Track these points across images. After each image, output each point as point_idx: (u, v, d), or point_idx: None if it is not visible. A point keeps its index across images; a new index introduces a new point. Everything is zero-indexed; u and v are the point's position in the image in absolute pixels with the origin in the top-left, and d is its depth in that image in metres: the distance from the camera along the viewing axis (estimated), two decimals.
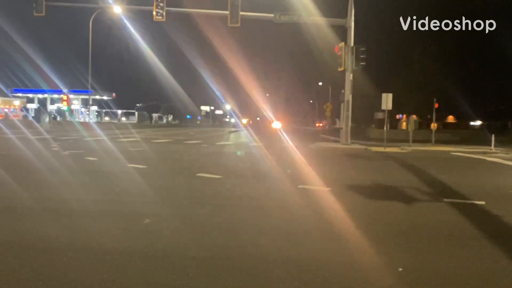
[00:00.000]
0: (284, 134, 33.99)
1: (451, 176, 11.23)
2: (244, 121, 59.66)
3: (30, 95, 75.94)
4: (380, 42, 37.87)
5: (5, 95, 62.87)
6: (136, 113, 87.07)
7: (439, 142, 26.28)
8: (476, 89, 47.37)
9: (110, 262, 4.21)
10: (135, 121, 76.76)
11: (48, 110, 69.12)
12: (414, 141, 24.34)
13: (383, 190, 8.78)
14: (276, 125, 51.67)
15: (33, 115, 55.80)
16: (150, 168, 11.70)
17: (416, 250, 4.78)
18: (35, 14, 23.91)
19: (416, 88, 38.69)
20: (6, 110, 57.71)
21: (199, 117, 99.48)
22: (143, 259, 4.30)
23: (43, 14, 23.96)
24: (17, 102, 63.87)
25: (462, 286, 3.81)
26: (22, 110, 61.38)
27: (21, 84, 69.36)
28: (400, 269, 3.89)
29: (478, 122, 62.60)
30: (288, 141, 25.99)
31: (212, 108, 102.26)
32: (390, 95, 22.21)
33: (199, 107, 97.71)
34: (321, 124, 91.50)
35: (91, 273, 3.90)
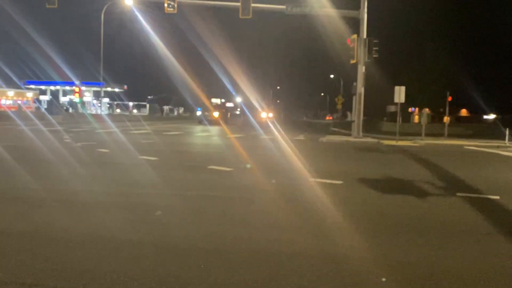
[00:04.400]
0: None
1: (464, 170, 11.11)
2: (216, 114, 40.64)
3: (43, 87, 76.51)
4: (393, 34, 37.52)
5: (18, 87, 63.41)
6: (147, 105, 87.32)
7: (452, 135, 25.98)
8: (490, 82, 46.83)
9: (122, 253, 4.22)
10: (146, 114, 77.01)
11: (61, 102, 69.66)
12: (427, 134, 24.10)
13: (395, 184, 8.71)
14: (265, 115, 48.65)
15: (45, 107, 56.29)
16: (161, 160, 11.73)
17: (428, 245, 4.72)
18: (47, 6, 24.02)
19: (429, 81, 38.27)
20: (19, 102, 58.27)
21: None
22: (155, 251, 4.31)
23: (56, 6, 24.07)
24: (30, 94, 64.39)
25: (475, 281, 3.76)
26: (34, 102, 61.92)
27: (34, 76, 69.90)
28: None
29: (492, 116, 61.83)
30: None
31: (223, 100, 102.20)
32: (403, 88, 21.97)
33: (210, 100, 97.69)
34: (331, 117, 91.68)
35: (103, 264, 3.91)
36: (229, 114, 46.86)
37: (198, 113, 42.62)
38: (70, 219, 5.50)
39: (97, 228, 5.06)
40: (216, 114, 40.19)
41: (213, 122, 37.56)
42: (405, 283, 3.69)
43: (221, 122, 37.26)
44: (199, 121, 39.77)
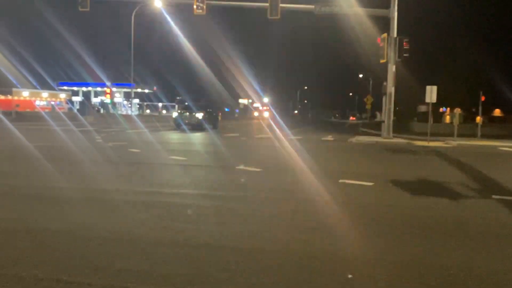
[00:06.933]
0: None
1: (499, 172, 10.79)
2: (200, 115, 28.90)
3: (75, 88, 78.38)
4: (423, 33, 36.78)
5: (52, 88, 65.13)
6: (176, 106, 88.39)
7: (485, 136, 25.27)
8: None
9: (154, 252, 4.26)
10: None
11: (92, 103, 71.16)
12: (459, 135, 23.53)
13: (427, 186, 8.52)
14: (259, 113, 45.70)
15: (77, 107, 57.63)
16: (190, 160, 11.83)
17: (464, 248, 4.60)
18: (80, 9, 24.64)
19: (461, 80, 37.38)
20: (52, 102, 59.85)
21: (237, 110, 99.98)
22: (186, 251, 4.34)
23: (88, 9, 24.67)
24: (62, 95, 66.02)
25: None
26: (67, 103, 63.44)
27: (67, 78, 71.68)
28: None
29: None
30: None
31: (250, 101, 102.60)
32: (435, 88, 21.48)
33: (237, 100, 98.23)
34: (354, 118, 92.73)
35: (135, 263, 3.96)
36: (220, 115, 36.68)
37: (174, 114, 30.37)
38: (102, 218, 5.61)
39: (129, 227, 5.13)
40: (199, 115, 28.97)
41: (195, 126, 27.93)
42: (440, 287, 3.60)
43: (206, 126, 28.37)
44: (177, 126, 28.60)
